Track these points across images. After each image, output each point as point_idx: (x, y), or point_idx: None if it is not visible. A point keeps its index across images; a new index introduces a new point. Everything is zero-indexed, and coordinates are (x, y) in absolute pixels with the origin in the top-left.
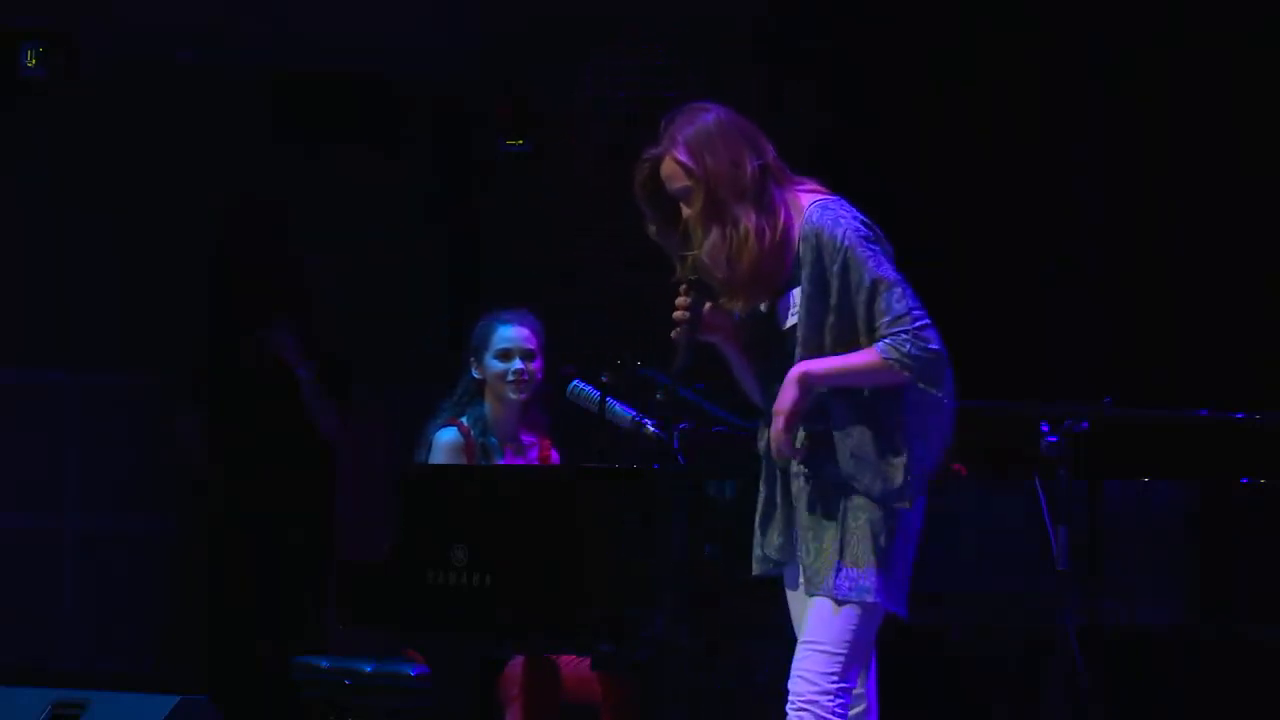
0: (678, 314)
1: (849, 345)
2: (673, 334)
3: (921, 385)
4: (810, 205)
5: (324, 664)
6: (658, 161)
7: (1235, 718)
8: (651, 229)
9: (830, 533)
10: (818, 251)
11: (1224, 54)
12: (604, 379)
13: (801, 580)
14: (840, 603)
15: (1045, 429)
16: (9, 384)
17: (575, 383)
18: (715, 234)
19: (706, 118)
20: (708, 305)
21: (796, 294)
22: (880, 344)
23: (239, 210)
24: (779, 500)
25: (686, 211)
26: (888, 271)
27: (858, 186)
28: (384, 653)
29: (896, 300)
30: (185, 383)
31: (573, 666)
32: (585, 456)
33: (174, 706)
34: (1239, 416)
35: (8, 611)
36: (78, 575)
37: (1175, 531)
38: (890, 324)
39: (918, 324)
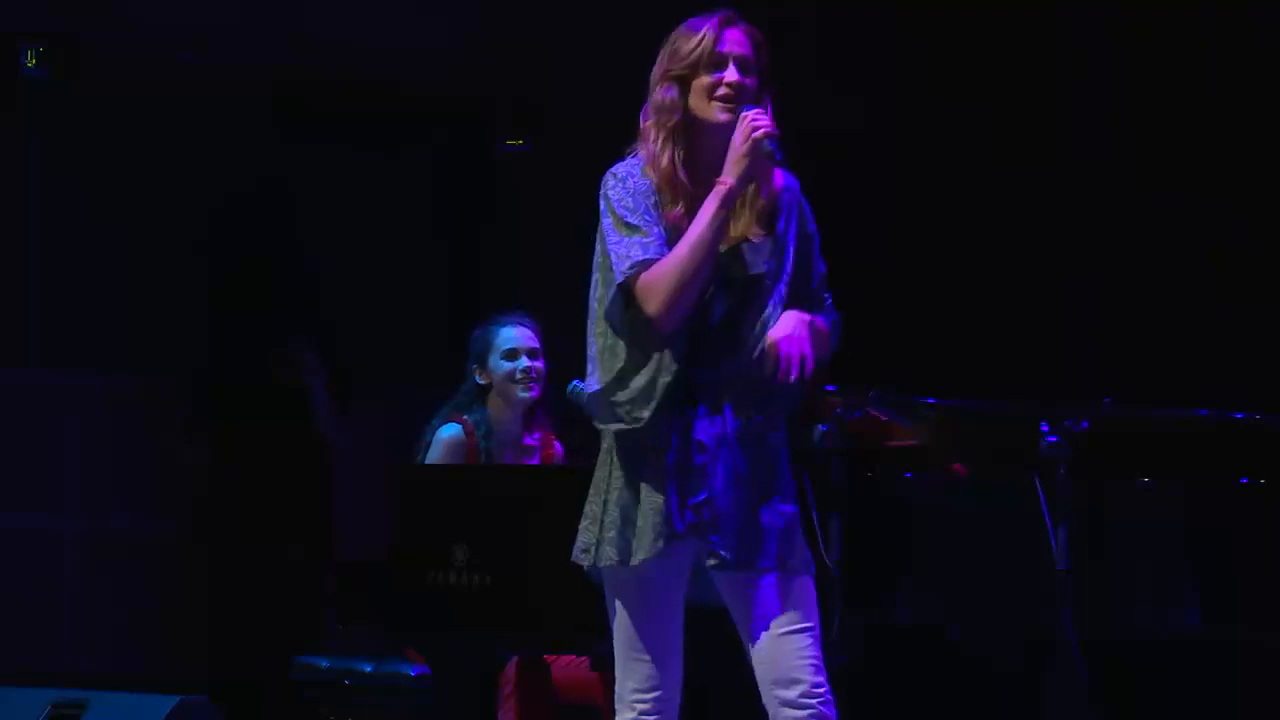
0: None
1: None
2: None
3: None
4: (783, 174)
5: (324, 664)
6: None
7: (1235, 719)
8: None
9: None
10: (804, 214)
11: (1223, 53)
12: None
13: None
14: None
15: (1045, 429)
16: (9, 384)
17: (575, 382)
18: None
19: None
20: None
21: (765, 244)
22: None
23: (240, 211)
24: None
25: (740, 77)
26: None
27: (857, 185)
28: (384, 653)
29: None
30: (187, 392)
31: (572, 667)
32: (585, 456)
33: (174, 706)
34: (1239, 416)
35: (8, 611)
36: (78, 575)
37: (1175, 531)
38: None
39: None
